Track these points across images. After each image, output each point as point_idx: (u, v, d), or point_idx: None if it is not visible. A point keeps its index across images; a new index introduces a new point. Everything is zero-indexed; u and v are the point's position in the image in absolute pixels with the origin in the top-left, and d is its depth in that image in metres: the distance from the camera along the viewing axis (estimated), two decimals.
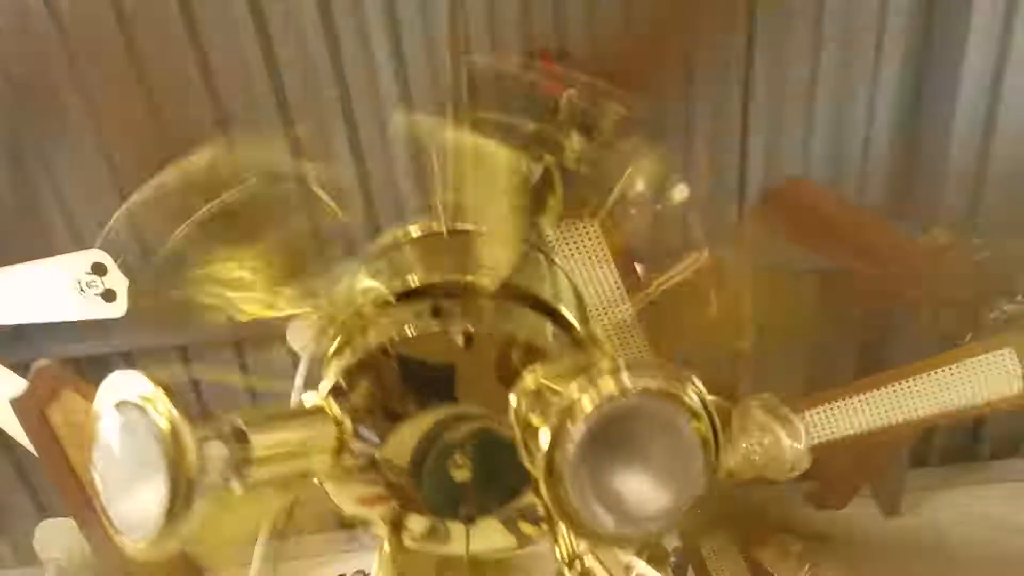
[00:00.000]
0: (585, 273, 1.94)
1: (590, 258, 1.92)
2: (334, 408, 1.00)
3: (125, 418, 0.87)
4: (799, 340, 2.18)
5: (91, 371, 2.89)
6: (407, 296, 1.10)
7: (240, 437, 0.89)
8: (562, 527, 1.05)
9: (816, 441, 2.19)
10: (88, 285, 2.43)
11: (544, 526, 1.09)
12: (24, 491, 3.53)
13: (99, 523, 1.61)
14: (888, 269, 2.58)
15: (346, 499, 1.14)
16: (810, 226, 2.49)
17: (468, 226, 1.20)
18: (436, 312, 1.05)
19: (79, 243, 2.97)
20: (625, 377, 0.84)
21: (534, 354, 1.02)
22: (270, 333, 1.95)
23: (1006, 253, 2.67)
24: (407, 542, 1.11)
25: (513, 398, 0.96)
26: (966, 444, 3.83)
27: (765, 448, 2.02)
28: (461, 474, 1.04)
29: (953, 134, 2.97)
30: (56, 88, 2.76)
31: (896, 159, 3.12)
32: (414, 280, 1.09)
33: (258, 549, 2.69)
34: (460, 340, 1.03)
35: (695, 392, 0.84)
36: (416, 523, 1.12)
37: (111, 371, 0.90)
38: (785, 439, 2.00)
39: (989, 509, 3.60)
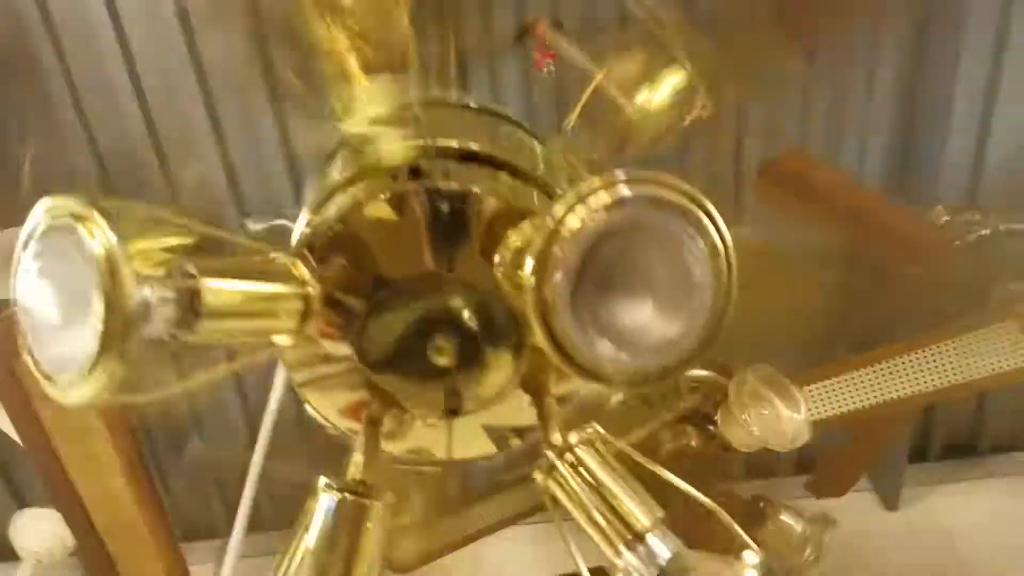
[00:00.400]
0: None
1: None
2: (300, 268, 0.91)
3: (55, 243, 0.78)
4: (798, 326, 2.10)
5: None
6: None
7: (189, 282, 0.80)
8: (552, 420, 0.97)
9: (818, 416, 2.12)
10: None
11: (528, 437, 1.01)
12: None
13: (78, 503, 1.54)
14: (892, 245, 2.52)
15: (329, 410, 1.06)
16: (810, 199, 2.44)
17: (455, 98, 1.13)
18: (415, 172, 0.97)
19: None
20: (621, 186, 0.75)
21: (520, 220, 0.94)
22: None
23: (1009, 232, 2.62)
24: (384, 444, 1.03)
25: (498, 258, 0.88)
26: (965, 439, 3.79)
27: (764, 420, 1.96)
28: (443, 360, 0.96)
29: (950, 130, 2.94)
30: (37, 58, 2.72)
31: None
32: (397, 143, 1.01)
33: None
34: (441, 203, 0.95)
35: (704, 206, 0.75)
36: (395, 425, 1.04)
37: None
38: (784, 410, 1.94)
39: (990, 502, 3.54)
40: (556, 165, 1.10)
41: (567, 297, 0.73)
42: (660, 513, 0.91)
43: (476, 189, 0.96)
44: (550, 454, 0.94)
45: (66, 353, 0.75)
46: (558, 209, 0.75)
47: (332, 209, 0.99)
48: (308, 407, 1.08)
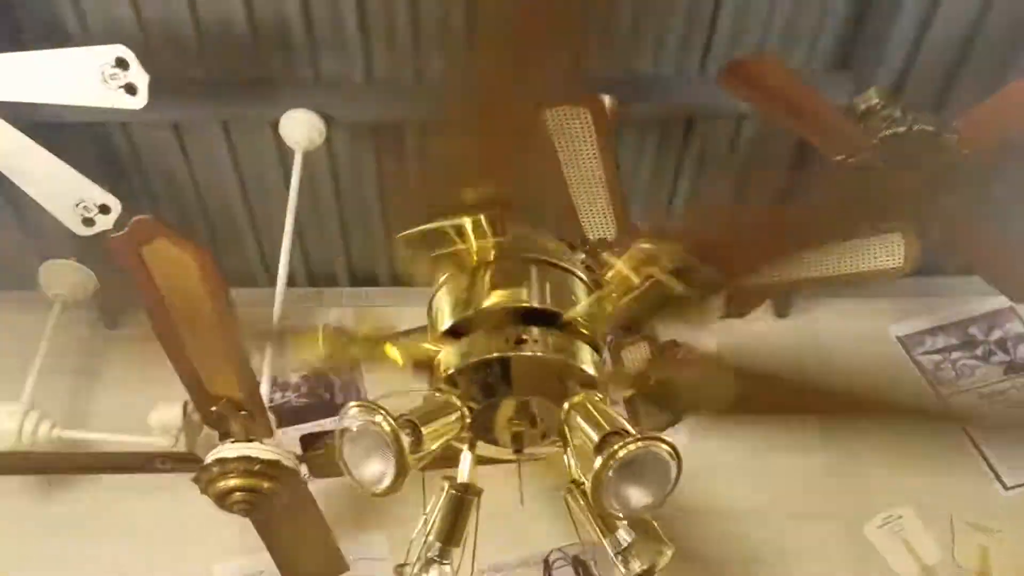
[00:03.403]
0: (571, 151, 2.32)
1: (577, 140, 2.29)
2: (457, 402, 1.47)
3: (363, 426, 1.32)
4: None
5: None
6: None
7: (416, 429, 1.33)
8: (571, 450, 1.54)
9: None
10: (111, 77, 2.66)
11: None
12: (25, 235, 3.82)
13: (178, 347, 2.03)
14: (824, 136, 3.00)
15: None
16: (765, 96, 2.86)
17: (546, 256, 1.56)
18: (520, 341, 1.46)
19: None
20: (641, 442, 1.29)
21: (581, 379, 1.47)
22: None
23: (921, 128, 3.08)
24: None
25: (566, 407, 1.42)
26: None
27: None
28: (519, 428, 1.51)
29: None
30: None
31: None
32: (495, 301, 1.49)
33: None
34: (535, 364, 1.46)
35: (676, 449, 1.29)
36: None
37: None
38: None
39: (861, 321, 4.27)
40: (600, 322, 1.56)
41: (608, 484, 1.27)
42: None
43: (562, 359, 1.49)
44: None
45: (372, 474, 1.28)
46: (612, 448, 1.29)
47: (467, 353, 1.50)
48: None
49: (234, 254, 4.04)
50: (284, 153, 3.51)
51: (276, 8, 3.18)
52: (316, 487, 2.75)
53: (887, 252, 2.65)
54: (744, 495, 3.86)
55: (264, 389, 2.76)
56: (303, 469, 2.49)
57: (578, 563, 3.79)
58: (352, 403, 1.32)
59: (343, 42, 3.28)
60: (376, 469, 1.33)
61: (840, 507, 3.84)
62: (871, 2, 3.29)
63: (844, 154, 3.06)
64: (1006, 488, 3.91)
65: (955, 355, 4.26)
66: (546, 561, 3.76)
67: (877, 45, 3.32)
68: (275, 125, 3.37)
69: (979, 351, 4.26)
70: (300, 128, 3.33)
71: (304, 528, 2.78)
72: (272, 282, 4.00)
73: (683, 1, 3.25)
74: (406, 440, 1.29)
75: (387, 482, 1.32)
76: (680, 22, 3.31)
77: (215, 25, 3.20)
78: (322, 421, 3.96)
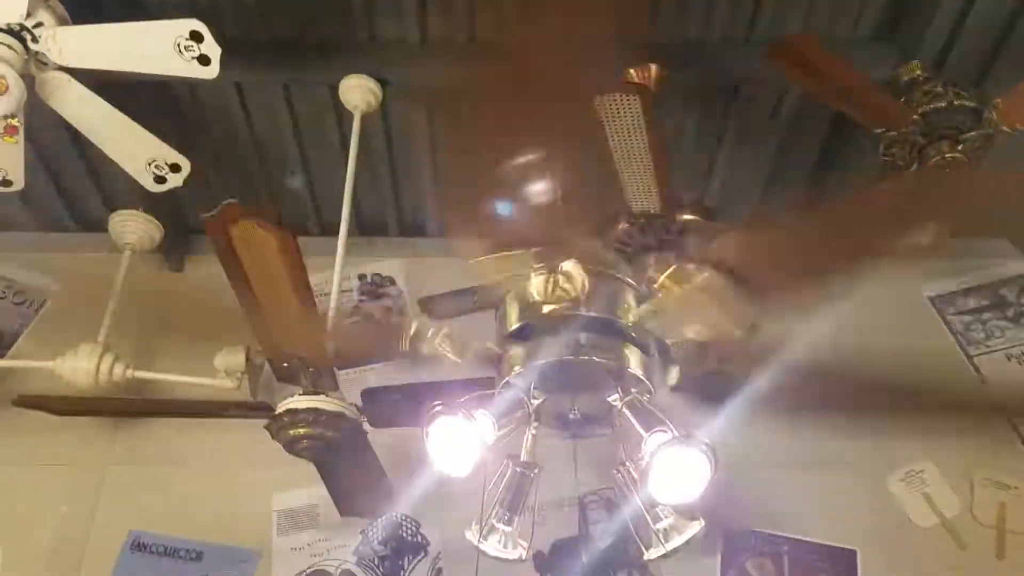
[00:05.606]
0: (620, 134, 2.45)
1: (626, 124, 2.43)
2: (524, 397, 1.67)
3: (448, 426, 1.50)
4: None
5: None
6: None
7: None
8: None
9: None
10: (185, 48, 2.81)
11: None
12: (94, 187, 4.02)
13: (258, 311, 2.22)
14: (866, 113, 3.09)
15: None
16: (808, 73, 2.96)
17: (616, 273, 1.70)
18: (578, 345, 1.62)
19: None
20: (687, 441, 1.44)
21: (630, 378, 1.63)
22: None
23: (961, 103, 3.15)
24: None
25: (617, 403, 1.59)
26: None
27: None
28: (575, 415, 1.69)
29: None
30: None
31: None
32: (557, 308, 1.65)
33: None
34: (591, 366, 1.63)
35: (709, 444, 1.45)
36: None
37: None
38: None
39: (893, 281, 4.34)
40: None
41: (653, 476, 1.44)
42: None
43: (613, 362, 1.62)
44: None
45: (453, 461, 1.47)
46: (658, 445, 1.49)
47: (532, 355, 1.69)
48: None
49: (289, 205, 4.22)
50: (341, 112, 3.65)
51: None
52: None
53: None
54: (771, 444, 4.03)
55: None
56: (364, 420, 2.71)
57: (611, 504, 4.00)
58: (436, 404, 1.51)
59: (399, 5, 3.39)
60: (457, 457, 1.54)
61: (865, 459, 3.98)
62: None
63: (884, 128, 3.16)
64: None
65: (985, 316, 4.35)
66: (581, 500, 3.97)
67: (922, 17, 3.37)
68: (333, 87, 3.52)
69: (1010, 312, 4.35)
70: (358, 93, 3.47)
71: (361, 470, 3.01)
72: (324, 231, 4.29)
73: None
74: (481, 430, 1.48)
75: (467, 468, 1.52)
76: None
77: None
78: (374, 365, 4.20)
